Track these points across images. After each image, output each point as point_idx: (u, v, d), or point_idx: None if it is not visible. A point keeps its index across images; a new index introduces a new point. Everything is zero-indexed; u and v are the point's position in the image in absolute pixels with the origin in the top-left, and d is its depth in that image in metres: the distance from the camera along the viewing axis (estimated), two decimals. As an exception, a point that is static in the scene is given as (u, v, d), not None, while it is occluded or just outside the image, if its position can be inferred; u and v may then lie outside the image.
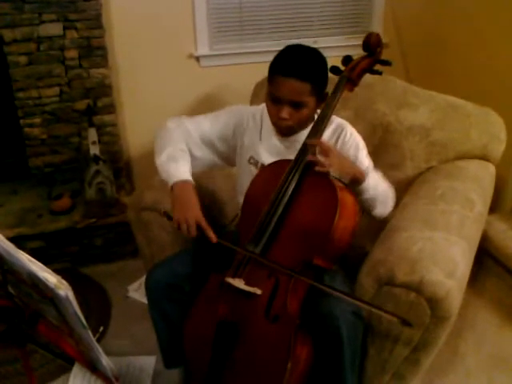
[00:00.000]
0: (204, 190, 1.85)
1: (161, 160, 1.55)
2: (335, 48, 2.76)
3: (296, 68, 1.41)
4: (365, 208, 1.51)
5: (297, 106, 1.44)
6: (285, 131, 1.53)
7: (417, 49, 2.90)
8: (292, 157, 1.47)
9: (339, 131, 1.57)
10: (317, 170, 1.37)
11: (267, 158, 1.60)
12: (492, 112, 1.94)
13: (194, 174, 1.56)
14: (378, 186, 1.49)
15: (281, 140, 1.61)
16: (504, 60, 2.35)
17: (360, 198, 1.46)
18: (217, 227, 1.52)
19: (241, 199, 1.62)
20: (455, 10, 2.61)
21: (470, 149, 1.90)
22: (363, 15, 2.95)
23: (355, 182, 1.43)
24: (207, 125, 1.66)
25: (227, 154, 1.71)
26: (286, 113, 1.44)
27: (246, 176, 1.63)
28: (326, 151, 1.39)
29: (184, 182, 1.50)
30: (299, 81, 1.40)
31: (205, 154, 1.66)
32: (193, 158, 1.61)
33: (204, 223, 1.44)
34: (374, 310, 1.33)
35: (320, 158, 1.38)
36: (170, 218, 1.47)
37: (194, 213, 1.44)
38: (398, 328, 1.36)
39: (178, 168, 1.52)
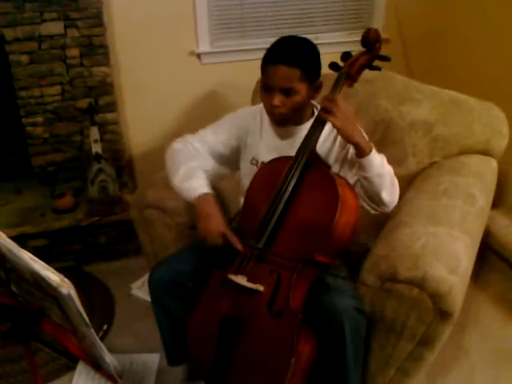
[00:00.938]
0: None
1: (177, 181, 1.60)
2: (337, 44, 2.75)
3: (284, 54, 1.43)
4: (372, 193, 1.44)
5: (288, 92, 1.45)
6: (278, 119, 1.53)
7: (418, 44, 2.89)
8: (292, 154, 1.47)
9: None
10: (320, 116, 1.42)
11: (267, 157, 1.60)
12: (494, 107, 1.93)
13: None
14: (384, 165, 1.44)
15: (279, 137, 1.62)
16: (506, 55, 2.34)
17: (366, 176, 1.40)
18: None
19: (242, 200, 1.62)
20: (457, 4, 2.60)
21: (472, 144, 1.90)
22: (364, 11, 2.94)
23: (360, 150, 1.39)
24: (211, 137, 1.68)
25: (234, 160, 1.72)
26: (277, 100, 1.46)
27: (248, 177, 1.63)
28: (334, 108, 1.38)
29: (203, 196, 1.54)
30: (288, 66, 1.42)
31: (214, 167, 1.69)
32: (204, 172, 1.64)
33: (228, 232, 1.48)
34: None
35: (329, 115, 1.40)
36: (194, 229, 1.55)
37: (217, 223, 1.50)
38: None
39: (194, 183, 1.57)
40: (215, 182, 1.74)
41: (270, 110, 1.51)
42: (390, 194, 1.44)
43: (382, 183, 1.41)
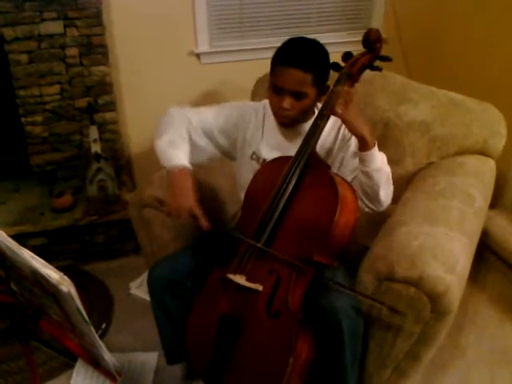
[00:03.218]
0: (205, 189, 1.85)
1: (160, 143, 1.56)
2: (335, 44, 2.74)
3: (299, 58, 1.42)
4: (369, 189, 1.45)
5: (298, 96, 1.45)
6: (285, 121, 1.54)
7: (417, 44, 2.90)
8: (294, 152, 1.47)
9: (339, 125, 1.57)
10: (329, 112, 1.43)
11: (269, 154, 1.61)
12: (492, 107, 1.94)
13: (194, 172, 1.56)
14: (384, 162, 1.45)
15: (283, 135, 1.62)
16: (503, 55, 2.35)
17: (367, 170, 1.41)
18: (218, 225, 1.53)
19: (242, 195, 1.62)
20: (455, 5, 2.61)
21: (470, 144, 1.91)
22: (363, 11, 2.95)
23: (363, 143, 1.40)
24: (209, 116, 1.67)
25: (227, 148, 1.71)
26: (287, 103, 1.46)
27: (247, 172, 1.64)
28: (347, 101, 1.39)
29: (181, 168, 1.51)
30: (302, 71, 1.41)
31: (205, 144, 1.67)
32: (193, 146, 1.62)
33: (197, 210, 1.46)
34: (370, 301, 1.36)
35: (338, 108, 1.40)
36: (162, 203, 1.50)
37: (187, 199, 1.47)
38: (398, 318, 1.38)
39: (177, 154, 1.54)
40: (202, 161, 1.71)
41: (278, 112, 1.51)
42: (386, 191, 1.46)
43: (381, 179, 1.43)
